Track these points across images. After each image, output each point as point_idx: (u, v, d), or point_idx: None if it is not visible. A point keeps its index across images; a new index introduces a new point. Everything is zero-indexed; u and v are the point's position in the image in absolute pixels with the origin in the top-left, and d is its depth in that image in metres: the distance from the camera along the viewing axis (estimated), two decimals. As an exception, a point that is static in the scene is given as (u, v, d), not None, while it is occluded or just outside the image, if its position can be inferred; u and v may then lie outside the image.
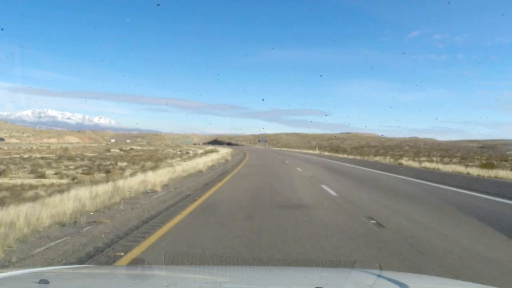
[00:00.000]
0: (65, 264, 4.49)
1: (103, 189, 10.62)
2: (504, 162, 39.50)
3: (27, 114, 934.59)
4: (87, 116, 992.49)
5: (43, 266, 4.30)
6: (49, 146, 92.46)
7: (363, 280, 2.49)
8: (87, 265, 3.67)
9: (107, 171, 26.35)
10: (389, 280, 2.30)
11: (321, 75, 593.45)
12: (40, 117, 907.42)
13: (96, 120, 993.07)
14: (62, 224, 7.07)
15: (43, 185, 19.60)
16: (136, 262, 4.91)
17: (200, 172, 20.11)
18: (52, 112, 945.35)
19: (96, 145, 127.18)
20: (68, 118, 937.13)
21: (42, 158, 46.20)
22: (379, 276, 2.46)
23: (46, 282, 1.98)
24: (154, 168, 22.10)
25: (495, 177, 19.27)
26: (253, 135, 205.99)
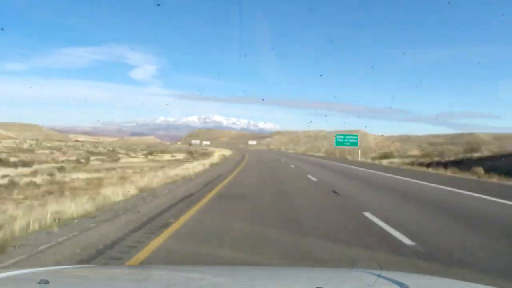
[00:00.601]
0: (64, 264, 4.50)
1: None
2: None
3: (193, 119, 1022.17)
4: (251, 122, 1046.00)
5: (46, 265, 4.13)
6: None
7: (363, 280, 2.50)
8: (87, 265, 3.61)
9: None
10: (389, 280, 2.29)
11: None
12: (206, 122, 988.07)
13: (261, 125, 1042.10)
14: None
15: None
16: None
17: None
18: (217, 118, 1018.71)
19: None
20: (233, 123, 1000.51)
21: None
22: (379, 276, 2.46)
23: (46, 282, 1.96)
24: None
25: None
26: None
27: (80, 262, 5.04)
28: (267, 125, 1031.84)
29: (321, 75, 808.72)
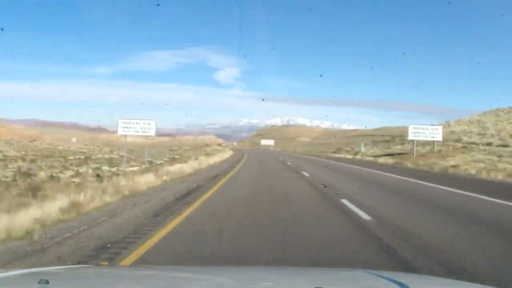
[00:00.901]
0: (65, 264, 4.55)
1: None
2: None
3: (276, 121, 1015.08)
4: (335, 123, 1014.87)
5: (45, 265, 4.19)
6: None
7: (363, 280, 2.48)
8: (87, 265, 3.63)
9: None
10: (389, 280, 2.24)
11: None
12: (288, 124, 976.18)
13: (344, 127, 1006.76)
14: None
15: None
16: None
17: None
18: (301, 120, 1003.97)
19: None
20: (317, 126, 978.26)
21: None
22: (379, 276, 2.43)
23: (46, 282, 1.99)
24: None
25: None
26: None
27: (180, 193, 11.53)
28: (351, 128, 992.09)
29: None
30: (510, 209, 10.79)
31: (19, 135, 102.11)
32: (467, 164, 28.61)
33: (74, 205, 8.36)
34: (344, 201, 10.95)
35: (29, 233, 6.29)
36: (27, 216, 6.88)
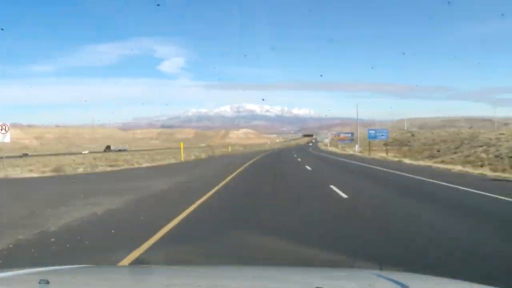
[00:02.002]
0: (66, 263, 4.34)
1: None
2: None
3: (226, 109, 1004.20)
4: (285, 108, 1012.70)
5: (45, 265, 3.83)
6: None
7: (363, 280, 2.50)
8: (87, 265, 3.52)
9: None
10: (389, 280, 2.28)
11: None
12: (238, 111, 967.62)
13: (295, 111, 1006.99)
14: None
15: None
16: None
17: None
18: (250, 106, 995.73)
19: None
20: (267, 111, 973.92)
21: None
22: (379, 276, 2.46)
23: (46, 282, 1.98)
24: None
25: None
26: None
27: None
28: (302, 111, 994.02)
29: (321, 75, 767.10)
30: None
31: None
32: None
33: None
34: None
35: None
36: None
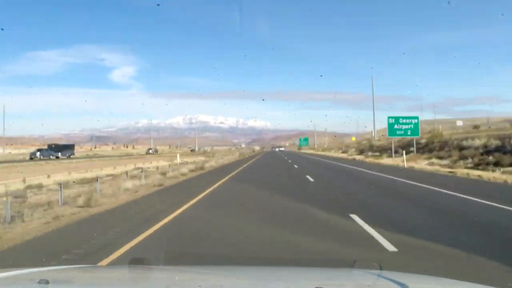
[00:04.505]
0: (66, 263, 4.47)
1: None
2: None
3: (178, 121, 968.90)
4: (241, 120, 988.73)
5: (45, 265, 3.96)
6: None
7: (363, 280, 2.51)
8: (87, 265, 3.59)
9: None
10: (389, 280, 2.29)
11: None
12: (191, 123, 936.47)
13: (250, 123, 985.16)
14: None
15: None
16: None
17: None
18: (203, 117, 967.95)
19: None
20: (221, 123, 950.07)
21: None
22: (379, 276, 2.47)
23: (46, 282, 1.97)
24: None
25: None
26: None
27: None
28: (258, 123, 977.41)
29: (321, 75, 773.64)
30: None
31: None
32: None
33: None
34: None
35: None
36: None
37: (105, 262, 5.55)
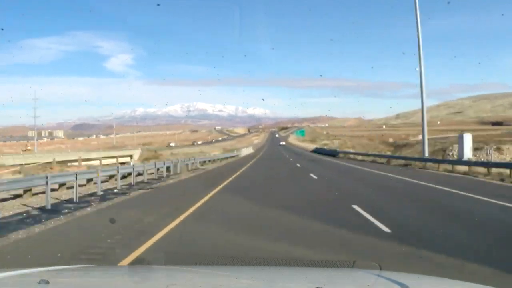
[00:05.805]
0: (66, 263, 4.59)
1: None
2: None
3: (175, 109, 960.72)
4: (240, 108, 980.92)
5: (45, 265, 3.92)
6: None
7: (363, 280, 2.51)
8: (87, 265, 3.47)
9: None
10: (389, 280, 2.29)
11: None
12: (189, 111, 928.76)
13: (250, 111, 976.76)
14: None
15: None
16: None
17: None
18: (201, 105, 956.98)
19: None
20: (220, 111, 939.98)
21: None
22: (379, 276, 2.46)
23: (46, 282, 1.95)
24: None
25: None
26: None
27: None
28: (257, 111, 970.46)
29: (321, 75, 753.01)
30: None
31: None
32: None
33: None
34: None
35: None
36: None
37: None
